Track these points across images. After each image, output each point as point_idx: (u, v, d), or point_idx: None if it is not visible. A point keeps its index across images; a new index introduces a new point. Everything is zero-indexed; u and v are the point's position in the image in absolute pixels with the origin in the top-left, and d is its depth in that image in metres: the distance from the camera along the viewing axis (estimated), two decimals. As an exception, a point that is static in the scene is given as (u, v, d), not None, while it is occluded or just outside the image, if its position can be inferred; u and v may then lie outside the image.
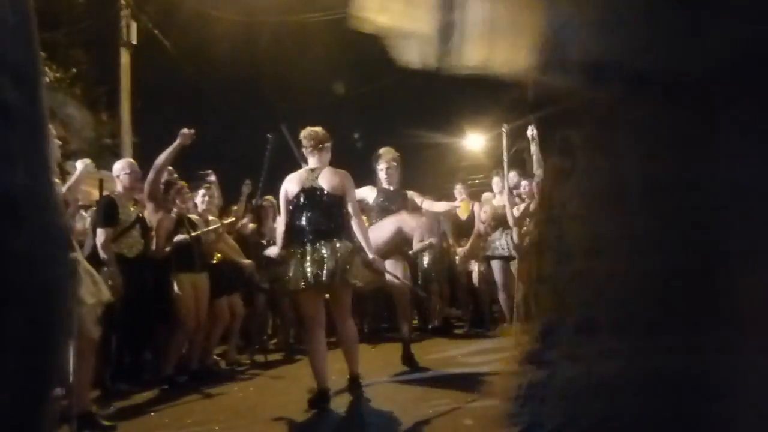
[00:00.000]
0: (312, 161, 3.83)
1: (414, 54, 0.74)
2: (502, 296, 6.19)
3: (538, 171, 5.26)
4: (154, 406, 3.95)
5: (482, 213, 6.49)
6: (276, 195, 4.56)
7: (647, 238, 0.58)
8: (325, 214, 3.65)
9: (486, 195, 6.70)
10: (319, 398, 3.56)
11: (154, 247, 4.65)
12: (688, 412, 0.54)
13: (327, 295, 3.83)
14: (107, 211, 4.43)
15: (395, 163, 4.89)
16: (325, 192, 3.69)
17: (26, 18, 0.61)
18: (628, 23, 0.59)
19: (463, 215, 6.33)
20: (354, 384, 3.80)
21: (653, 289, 0.57)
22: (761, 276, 0.54)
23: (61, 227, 0.67)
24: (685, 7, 0.56)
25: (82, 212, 4.99)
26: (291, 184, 3.76)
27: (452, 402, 3.38)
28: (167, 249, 4.60)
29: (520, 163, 6.29)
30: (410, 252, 4.80)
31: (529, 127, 4.99)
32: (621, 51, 0.59)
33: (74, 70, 8.60)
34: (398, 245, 4.72)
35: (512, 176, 6.02)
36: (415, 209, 5.02)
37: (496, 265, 6.16)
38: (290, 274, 3.53)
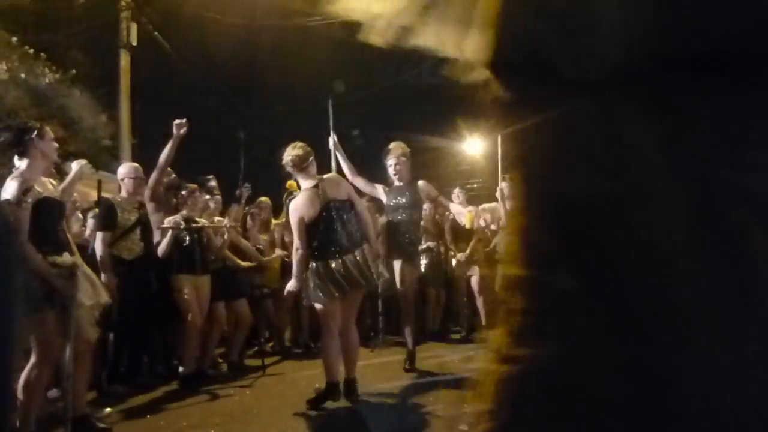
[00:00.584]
0: (305, 183, 3.84)
1: (377, 35, 0.79)
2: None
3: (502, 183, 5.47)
4: (150, 408, 3.95)
5: (482, 219, 6.50)
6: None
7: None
8: (347, 224, 3.75)
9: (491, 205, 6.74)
10: (328, 393, 3.66)
11: (156, 247, 4.63)
12: (646, 404, 0.56)
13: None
14: (105, 215, 4.44)
15: (404, 158, 4.85)
16: (338, 201, 3.77)
17: None
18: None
19: (467, 225, 6.35)
20: (350, 388, 3.80)
21: (573, 297, 0.60)
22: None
23: None
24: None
25: (79, 214, 4.97)
26: (306, 208, 3.72)
27: (448, 407, 3.39)
28: (167, 242, 4.56)
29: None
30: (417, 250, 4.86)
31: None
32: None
33: (74, 71, 8.60)
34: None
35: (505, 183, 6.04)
36: (431, 198, 5.01)
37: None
38: (320, 284, 3.62)
